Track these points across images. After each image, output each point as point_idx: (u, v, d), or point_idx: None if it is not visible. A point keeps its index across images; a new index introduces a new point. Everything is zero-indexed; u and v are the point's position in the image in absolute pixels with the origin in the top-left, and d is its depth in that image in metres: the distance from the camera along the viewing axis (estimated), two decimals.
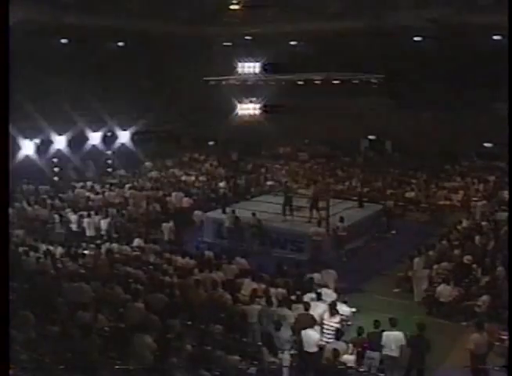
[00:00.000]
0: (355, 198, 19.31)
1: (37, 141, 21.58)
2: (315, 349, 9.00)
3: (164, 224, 16.50)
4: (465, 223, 16.60)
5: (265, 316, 9.71)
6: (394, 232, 17.92)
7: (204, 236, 17.02)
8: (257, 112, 24.60)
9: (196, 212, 18.40)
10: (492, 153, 24.39)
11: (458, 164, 25.18)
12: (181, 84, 27.27)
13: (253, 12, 25.10)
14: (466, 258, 12.99)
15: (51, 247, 13.62)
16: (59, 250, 13.56)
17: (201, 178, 23.91)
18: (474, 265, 12.81)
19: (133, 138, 26.07)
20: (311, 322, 9.44)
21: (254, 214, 16.31)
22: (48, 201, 18.50)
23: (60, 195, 19.49)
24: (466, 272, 12.69)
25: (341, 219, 15.64)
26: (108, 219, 16.74)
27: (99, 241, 14.99)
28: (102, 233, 16.37)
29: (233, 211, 16.76)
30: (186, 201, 19.49)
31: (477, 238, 14.64)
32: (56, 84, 23.61)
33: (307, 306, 9.80)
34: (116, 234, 16.56)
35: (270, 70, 22.14)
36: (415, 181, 23.12)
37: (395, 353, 8.86)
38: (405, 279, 13.23)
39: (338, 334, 9.16)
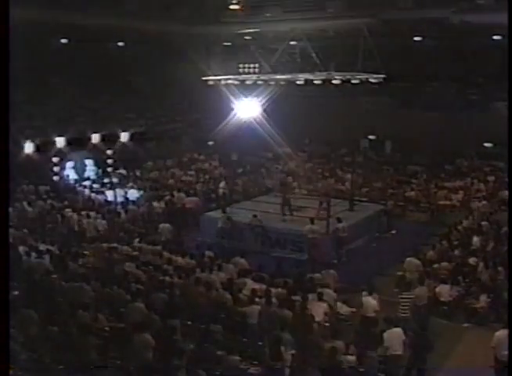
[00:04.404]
0: (356, 198, 19.30)
1: (37, 141, 21.57)
2: (373, 314, 10.12)
3: (162, 225, 16.49)
4: (465, 223, 16.59)
5: (265, 316, 9.72)
6: (394, 232, 17.92)
7: (204, 237, 17.01)
8: (257, 112, 24.56)
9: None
10: (492, 153, 24.39)
11: (458, 164, 25.18)
12: (180, 84, 27.27)
13: (253, 12, 25.13)
14: (472, 260, 12.97)
15: (51, 247, 13.62)
16: (59, 249, 13.55)
17: (201, 178, 23.89)
18: (473, 262, 12.83)
19: (133, 138, 26.06)
20: (311, 322, 9.45)
21: (255, 215, 16.33)
22: (48, 201, 18.50)
23: (60, 195, 19.48)
24: (466, 272, 12.69)
25: (339, 220, 15.64)
26: (108, 219, 16.75)
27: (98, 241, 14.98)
28: (102, 233, 16.35)
29: (224, 211, 16.83)
30: (189, 201, 19.45)
31: (474, 238, 14.65)
32: (56, 84, 23.64)
33: (307, 306, 9.82)
34: (116, 234, 16.56)
35: (270, 70, 22.12)
36: (415, 181, 23.11)
37: (399, 351, 8.88)
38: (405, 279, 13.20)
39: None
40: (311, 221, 15.34)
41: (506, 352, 8.02)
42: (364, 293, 10.70)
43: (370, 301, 10.39)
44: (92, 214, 16.93)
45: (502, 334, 8.70)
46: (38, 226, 16.55)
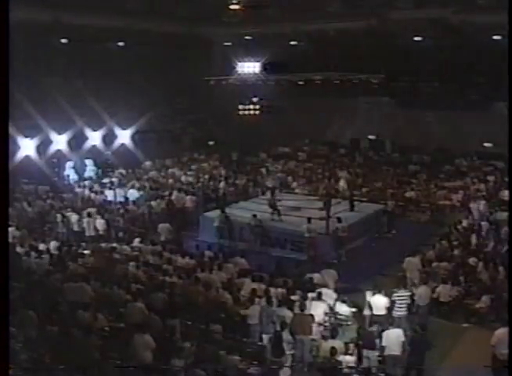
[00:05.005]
0: (356, 198, 19.31)
1: (37, 141, 21.57)
2: (383, 312, 10.24)
3: (161, 225, 16.48)
4: (465, 223, 16.59)
5: (265, 316, 9.71)
6: (394, 232, 17.92)
7: (204, 236, 17.01)
8: (257, 112, 24.58)
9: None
10: (492, 153, 24.39)
11: (458, 164, 25.17)
12: (181, 84, 27.25)
13: (253, 12, 25.08)
14: (472, 260, 12.96)
15: (52, 245, 13.65)
16: (59, 249, 13.56)
17: (201, 178, 23.88)
18: (473, 262, 12.83)
19: (133, 138, 26.05)
20: (310, 322, 9.45)
21: (255, 215, 16.34)
22: (48, 201, 18.50)
23: (60, 195, 19.48)
24: (466, 272, 12.69)
25: (339, 220, 15.64)
26: (107, 220, 16.74)
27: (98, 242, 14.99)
28: (102, 233, 16.35)
29: (223, 211, 16.84)
30: (189, 201, 19.44)
31: (474, 238, 14.64)
32: (56, 84, 23.61)
33: (306, 306, 9.82)
34: (116, 234, 16.57)
35: (270, 70, 22.14)
36: (415, 181, 23.11)
37: (397, 352, 8.88)
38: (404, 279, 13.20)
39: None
40: (309, 220, 15.37)
41: (505, 351, 8.04)
42: (368, 292, 10.70)
43: (380, 300, 10.42)
44: (92, 213, 16.91)
45: (501, 332, 8.72)
46: (38, 226, 16.55)
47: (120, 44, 27.92)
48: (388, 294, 11.02)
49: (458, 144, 24.86)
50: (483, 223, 16.10)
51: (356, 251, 15.86)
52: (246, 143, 28.50)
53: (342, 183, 20.91)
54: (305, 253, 15.02)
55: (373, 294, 10.62)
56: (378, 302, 10.45)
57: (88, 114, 23.71)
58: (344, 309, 10.39)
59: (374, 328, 9.70)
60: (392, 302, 10.56)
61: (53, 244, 14.08)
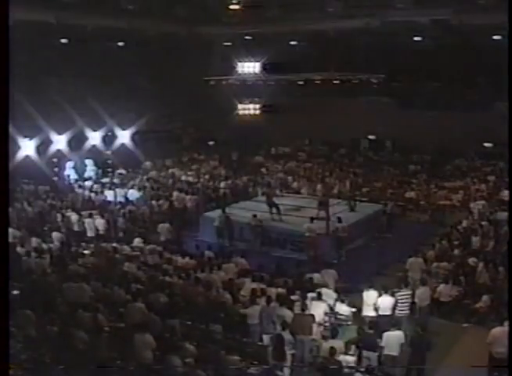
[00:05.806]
0: (357, 198, 19.31)
1: (37, 141, 21.57)
2: (389, 312, 10.28)
3: (161, 224, 16.49)
4: (465, 223, 16.59)
5: (265, 316, 9.71)
6: (394, 232, 17.90)
7: (204, 237, 17.00)
8: (257, 112, 24.63)
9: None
10: (492, 153, 24.40)
11: (458, 164, 25.18)
12: (181, 84, 27.28)
13: (253, 12, 25.12)
14: (472, 260, 12.95)
15: (52, 245, 13.64)
16: (59, 249, 13.55)
17: (201, 178, 23.88)
18: (473, 262, 12.83)
19: (133, 138, 26.05)
20: (311, 322, 9.44)
21: (255, 215, 16.34)
22: (48, 201, 18.49)
23: (60, 195, 19.47)
24: (466, 272, 12.69)
25: (339, 220, 15.64)
26: (108, 220, 16.73)
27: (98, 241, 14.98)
28: (102, 233, 16.34)
29: (224, 211, 16.85)
30: (189, 201, 19.43)
31: (474, 238, 14.65)
32: (56, 84, 23.64)
33: (306, 306, 9.82)
34: (116, 234, 16.56)
35: (270, 70, 22.19)
36: (415, 181, 23.11)
37: (396, 353, 8.88)
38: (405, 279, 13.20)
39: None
40: (311, 220, 15.36)
41: (501, 350, 8.06)
42: (373, 292, 10.69)
43: (387, 300, 10.41)
44: (92, 213, 16.90)
45: (498, 331, 8.73)
46: (38, 226, 16.54)
47: (120, 44, 27.95)
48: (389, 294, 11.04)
49: (458, 144, 24.87)
50: (483, 223, 16.10)
51: (356, 251, 15.84)
52: (246, 143, 28.51)
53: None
54: (305, 253, 15.01)
55: (380, 294, 10.57)
56: (384, 303, 10.42)
57: (88, 114, 23.72)
58: (344, 309, 10.38)
59: (375, 328, 9.67)
60: (395, 302, 10.56)
61: (53, 244, 14.07)
